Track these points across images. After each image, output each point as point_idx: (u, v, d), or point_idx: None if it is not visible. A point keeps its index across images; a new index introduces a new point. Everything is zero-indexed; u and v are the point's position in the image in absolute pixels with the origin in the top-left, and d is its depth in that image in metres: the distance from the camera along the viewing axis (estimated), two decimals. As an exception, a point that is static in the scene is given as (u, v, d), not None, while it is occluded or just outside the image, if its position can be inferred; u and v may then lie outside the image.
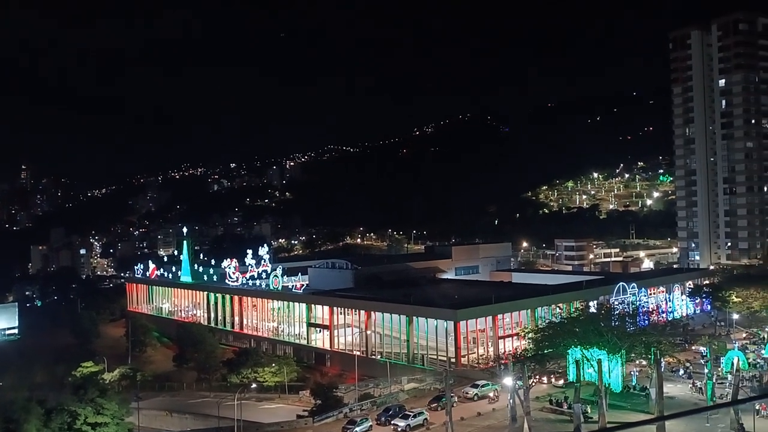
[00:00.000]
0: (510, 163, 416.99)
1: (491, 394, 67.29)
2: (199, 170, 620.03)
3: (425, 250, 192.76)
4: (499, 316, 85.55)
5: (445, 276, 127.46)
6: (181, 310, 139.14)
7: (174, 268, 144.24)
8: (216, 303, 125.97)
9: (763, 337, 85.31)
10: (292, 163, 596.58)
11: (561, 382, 69.62)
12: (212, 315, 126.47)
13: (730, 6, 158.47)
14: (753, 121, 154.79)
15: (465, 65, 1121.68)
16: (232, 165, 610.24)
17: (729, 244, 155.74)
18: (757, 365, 72.34)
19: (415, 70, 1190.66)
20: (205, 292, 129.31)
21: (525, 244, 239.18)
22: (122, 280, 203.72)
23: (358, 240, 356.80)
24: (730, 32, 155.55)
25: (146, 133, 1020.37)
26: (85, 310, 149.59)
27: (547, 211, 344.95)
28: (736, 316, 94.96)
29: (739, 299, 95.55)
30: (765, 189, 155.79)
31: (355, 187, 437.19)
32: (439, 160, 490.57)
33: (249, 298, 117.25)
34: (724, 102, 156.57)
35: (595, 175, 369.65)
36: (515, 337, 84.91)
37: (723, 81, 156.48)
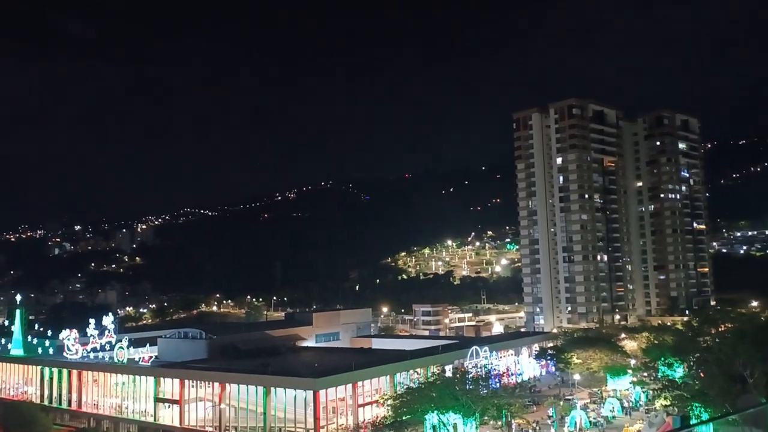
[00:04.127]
0: (370, 230, 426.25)
1: None
2: (39, 232, 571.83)
3: (285, 317, 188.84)
4: (359, 384, 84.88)
5: (305, 344, 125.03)
6: (9, 387, 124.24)
7: (3, 341, 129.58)
8: (51, 378, 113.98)
9: (602, 396, 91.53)
10: (143, 227, 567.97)
11: None
12: (46, 392, 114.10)
13: (567, 92, 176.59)
14: (586, 196, 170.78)
15: (328, 135, 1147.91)
16: (77, 227, 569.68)
17: (569, 308, 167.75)
18: (597, 423, 77.20)
19: (278, 137, 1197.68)
20: (39, 367, 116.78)
21: (385, 310, 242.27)
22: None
23: (215, 307, 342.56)
24: (565, 116, 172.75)
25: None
26: None
27: (405, 276, 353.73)
28: (577, 377, 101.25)
29: (580, 360, 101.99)
30: (599, 258, 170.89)
31: (212, 253, 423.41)
32: (301, 225, 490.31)
33: (89, 372, 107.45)
34: (561, 178, 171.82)
35: (450, 242, 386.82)
36: (375, 405, 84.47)
37: (560, 159, 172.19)
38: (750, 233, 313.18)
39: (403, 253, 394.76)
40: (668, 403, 73.20)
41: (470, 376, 77.20)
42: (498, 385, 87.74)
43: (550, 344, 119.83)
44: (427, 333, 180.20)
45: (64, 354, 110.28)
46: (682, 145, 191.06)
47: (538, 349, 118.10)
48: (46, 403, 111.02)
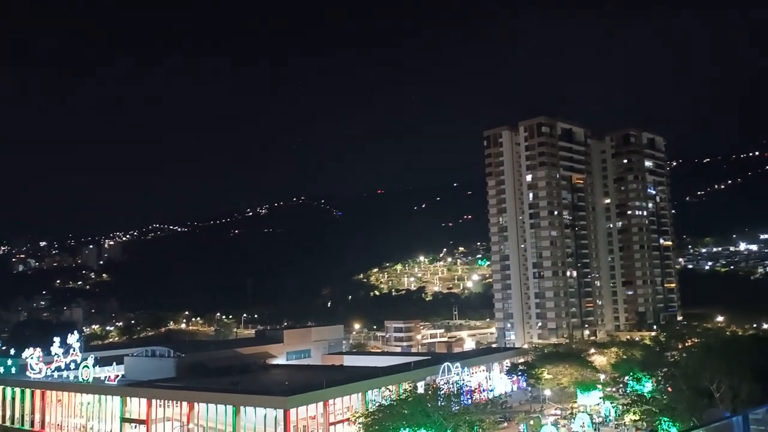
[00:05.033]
0: (343, 246, 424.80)
1: None
2: (2, 248, 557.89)
3: (256, 334, 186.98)
4: (331, 402, 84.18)
5: (276, 361, 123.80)
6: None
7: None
8: (13, 399, 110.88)
9: (572, 412, 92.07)
10: (111, 243, 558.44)
11: None
12: (8, 413, 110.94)
13: (536, 111, 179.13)
14: (555, 213, 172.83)
15: (300, 150, 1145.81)
16: (42, 243, 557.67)
17: (540, 324, 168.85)
18: (568, 438, 77.55)
19: (250, 152, 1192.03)
20: (1, 387, 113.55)
21: (357, 326, 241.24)
22: None
23: (183, 325, 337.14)
24: (534, 134, 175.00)
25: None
26: None
27: (378, 293, 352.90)
28: (548, 392, 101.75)
29: (550, 376, 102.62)
30: (568, 273, 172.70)
31: (181, 269, 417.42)
32: (272, 241, 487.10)
33: (53, 392, 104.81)
34: (531, 195, 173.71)
35: (422, 258, 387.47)
36: (346, 423, 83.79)
37: (530, 176, 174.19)
38: (715, 249, 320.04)
39: (375, 269, 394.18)
40: (637, 417, 73.95)
41: (442, 392, 77.10)
42: (470, 401, 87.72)
43: (521, 360, 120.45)
44: (399, 349, 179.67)
45: (27, 373, 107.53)
46: (648, 163, 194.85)
47: (509, 364, 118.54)
48: (8, 424, 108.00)
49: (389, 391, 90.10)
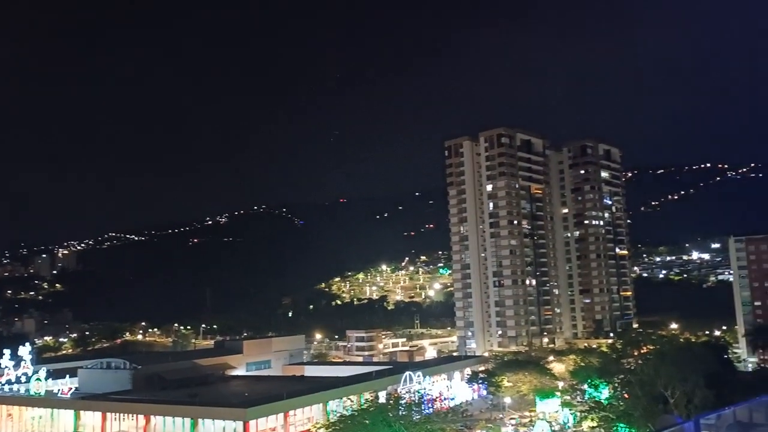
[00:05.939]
0: (304, 255, 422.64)
1: None
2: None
3: (214, 345, 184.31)
4: (291, 413, 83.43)
5: (235, 372, 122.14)
6: None
7: None
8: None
9: (531, 419, 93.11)
10: (65, 252, 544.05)
11: None
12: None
13: (497, 122, 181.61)
14: (515, 222, 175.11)
15: (261, 157, 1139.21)
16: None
17: (500, 332, 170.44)
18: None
19: (210, 160, 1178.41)
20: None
21: (318, 336, 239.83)
22: None
23: (140, 336, 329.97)
24: (494, 144, 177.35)
25: None
26: None
27: (339, 302, 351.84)
28: (508, 400, 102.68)
29: (510, 384, 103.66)
30: (527, 282, 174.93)
31: (138, 279, 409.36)
32: (232, 250, 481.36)
33: (3, 406, 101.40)
34: (491, 204, 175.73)
35: (384, 267, 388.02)
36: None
37: (490, 186, 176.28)
38: (668, 258, 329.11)
39: (337, 279, 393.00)
40: (595, 424, 75.17)
41: (403, 401, 77.09)
42: (431, 410, 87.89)
43: (482, 368, 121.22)
44: (360, 359, 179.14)
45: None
46: (604, 174, 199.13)
47: (470, 373, 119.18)
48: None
49: (350, 401, 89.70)
